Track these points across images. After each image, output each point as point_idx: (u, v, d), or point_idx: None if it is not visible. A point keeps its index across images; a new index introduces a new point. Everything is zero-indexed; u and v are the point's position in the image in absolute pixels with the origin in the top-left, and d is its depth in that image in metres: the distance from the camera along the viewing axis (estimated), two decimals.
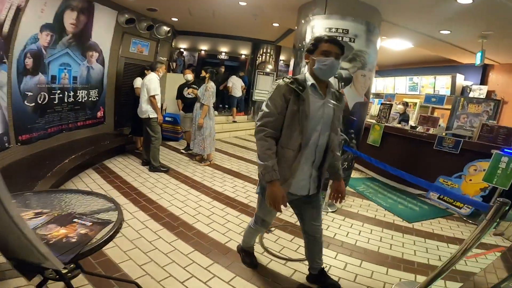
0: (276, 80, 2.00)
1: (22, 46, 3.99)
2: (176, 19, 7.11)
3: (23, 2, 3.69)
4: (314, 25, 4.34)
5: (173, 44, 8.17)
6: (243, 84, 10.04)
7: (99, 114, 6.08)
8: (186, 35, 9.70)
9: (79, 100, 5.51)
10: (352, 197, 4.92)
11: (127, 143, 6.30)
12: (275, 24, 7.12)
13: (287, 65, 13.17)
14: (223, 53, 13.18)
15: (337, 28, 4.18)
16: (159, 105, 5.09)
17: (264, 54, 10.60)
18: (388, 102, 6.77)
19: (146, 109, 5.04)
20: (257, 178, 4.40)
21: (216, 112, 9.10)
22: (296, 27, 5.00)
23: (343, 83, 4.11)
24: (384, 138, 5.67)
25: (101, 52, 5.83)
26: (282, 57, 11.84)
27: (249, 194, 4.55)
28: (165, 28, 6.97)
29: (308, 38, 4.32)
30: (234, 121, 9.84)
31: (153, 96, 4.91)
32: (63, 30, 4.78)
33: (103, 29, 5.77)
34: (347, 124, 4.27)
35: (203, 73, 5.48)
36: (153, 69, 5.08)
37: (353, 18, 4.20)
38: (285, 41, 8.83)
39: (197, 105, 5.60)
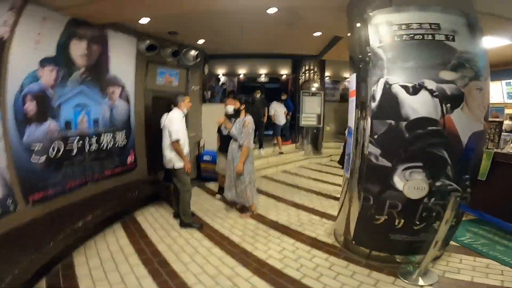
0: None
1: (18, 87, 3.32)
2: (202, 41, 6.33)
3: (7, 33, 2.97)
4: (378, 23, 3.07)
5: (205, 70, 7.36)
6: (285, 109, 8.92)
7: (130, 159, 5.33)
8: (219, 58, 8.96)
9: (104, 147, 4.82)
10: (457, 255, 3.39)
11: (161, 190, 5.48)
12: (317, 34, 5.97)
13: (335, 82, 11.82)
14: (263, 75, 12.29)
15: (421, 24, 2.87)
16: (185, 150, 4.17)
17: (307, 71, 9.39)
18: (496, 119, 5.06)
19: (170, 158, 4.14)
20: (313, 232, 4.17)
21: (261, 151, 8.06)
22: (348, 33, 3.77)
23: (448, 105, 2.74)
24: (493, 169, 4.03)
25: (124, 86, 5.13)
26: (327, 73, 10.62)
27: (301, 263, 3.28)
28: (193, 53, 6.19)
29: (374, 42, 3.05)
30: (281, 153, 8.66)
31: (176, 141, 3.99)
32: (71, 63, 4.14)
33: (122, 59, 5.10)
34: (458, 167, 2.87)
35: (237, 105, 4.54)
36: (175, 104, 4.20)
37: (441, 7, 2.89)
38: (331, 53, 7.61)
39: (233, 145, 4.57)
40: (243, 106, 4.43)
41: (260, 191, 5.87)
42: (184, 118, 4.23)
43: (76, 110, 4.29)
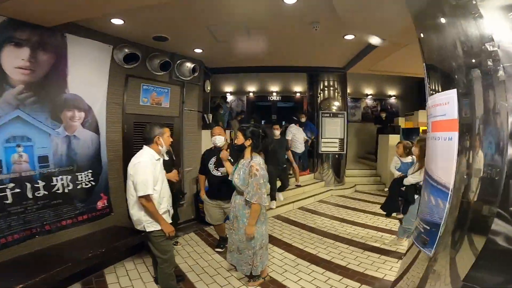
0: None
1: None
2: (200, 51, 4.92)
3: None
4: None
5: (207, 87, 5.94)
6: (304, 135, 7.31)
7: (101, 204, 3.85)
8: (222, 73, 7.52)
9: (59, 191, 3.39)
10: None
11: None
12: (349, 37, 4.51)
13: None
14: (274, 93, 10.88)
15: None
16: (162, 207, 2.68)
17: (326, 88, 7.87)
18: None
19: (138, 218, 2.63)
20: None
21: (277, 200, 5.99)
22: (421, 34, 2.24)
23: None
24: None
25: (90, 109, 3.70)
26: (367, 89, 9.21)
27: None
28: (189, 65, 4.79)
29: (503, 36, 1.54)
30: (298, 186, 7.06)
31: (145, 197, 2.49)
32: (2, 79, 2.73)
33: (89, 73, 3.71)
34: None
35: (239, 138, 2.85)
36: (147, 140, 2.68)
37: None
38: (361, 65, 6.06)
39: (236, 199, 2.94)
40: (249, 141, 2.78)
41: (272, 239, 4.31)
42: (161, 160, 2.75)
43: (8, 145, 2.90)
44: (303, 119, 7.50)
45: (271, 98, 10.93)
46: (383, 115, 8.77)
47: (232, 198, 2.96)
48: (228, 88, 10.79)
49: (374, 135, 9.55)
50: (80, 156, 3.57)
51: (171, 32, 4.05)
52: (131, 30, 3.89)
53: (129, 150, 3.92)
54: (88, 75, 3.69)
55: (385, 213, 4.18)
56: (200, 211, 5.15)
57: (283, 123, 9.59)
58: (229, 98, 10.67)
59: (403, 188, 3.80)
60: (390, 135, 7.82)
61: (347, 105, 8.09)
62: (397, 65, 5.81)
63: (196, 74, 4.97)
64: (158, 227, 2.61)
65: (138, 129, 4.15)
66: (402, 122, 8.31)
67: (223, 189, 3.44)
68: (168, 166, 3.58)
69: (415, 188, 3.63)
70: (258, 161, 2.72)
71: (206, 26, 3.90)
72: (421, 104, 9.49)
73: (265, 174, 2.71)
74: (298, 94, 10.73)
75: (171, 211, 2.86)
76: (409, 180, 3.69)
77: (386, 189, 4.32)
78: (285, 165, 5.85)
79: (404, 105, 10.35)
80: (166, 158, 3.62)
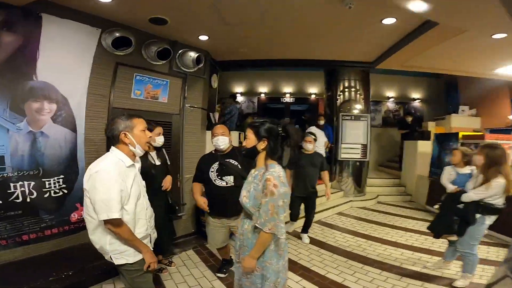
0: None
1: None
2: (206, 38, 4.08)
3: None
4: None
5: (213, 82, 5.13)
6: (326, 139, 6.42)
7: (74, 216, 3.04)
8: (231, 70, 6.67)
9: (17, 200, 2.64)
10: None
11: None
12: (388, 21, 3.55)
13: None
14: (287, 95, 10.00)
15: None
16: (139, 231, 1.86)
17: (347, 89, 6.96)
18: None
19: (101, 246, 1.79)
20: None
21: (305, 239, 4.46)
22: None
23: None
24: None
25: (65, 101, 2.92)
26: (389, 91, 8.37)
27: None
28: (192, 55, 3.99)
29: None
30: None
31: (110, 223, 1.66)
32: None
33: (68, 59, 2.95)
34: None
35: (250, 138, 1.86)
36: (114, 139, 1.81)
37: None
38: (393, 60, 5.04)
39: (245, 222, 1.92)
40: (263, 144, 1.83)
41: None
42: (136, 166, 1.91)
43: None
44: (322, 122, 6.60)
45: (284, 100, 10.05)
46: (409, 119, 7.80)
47: (241, 222, 2.07)
48: (238, 88, 9.96)
49: (396, 141, 8.70)
50: (49, 158, 2.79)
51: (170, 12, 3.26)
52: (123, 11, 3.16)
53: None
54: (65, 61, 2.95)
55: (433, 233, 3.33)
56: (201, 224, 4.31)
57: (296, 127, 8.68)
58: (239, 99, 9.84)
59: (461, 206, 2.97)
60: (419, 141, 6.94)
61: (369, 107, 7.15)
62: (439, 60, 4.84)
63: (201, 66, 4.16)
64: (131, 259, 1.78)
65: None
66: (431, 127, 7.36)
67: (229, 203, 2.59)
68: (160, 173, 2.79)
69: (478, 206, 2.82)
70: (277, 172, 1.74)
71: (213, 4, 3.09)
72: (449, 107, 8.68)
73: (286, 192, 1.74)
74: (313, 96, 9.83)
75: (154, 235, 2.02)
76: (471, 196, 2.85)
77: (436, 207, 3.43)
78: (314, 190, 4.28)
79: (430, 109, 9.37)
80: (157, 162, 2.81)
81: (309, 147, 4.12)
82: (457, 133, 5.68)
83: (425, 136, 7.12)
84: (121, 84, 3.45)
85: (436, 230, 3.28)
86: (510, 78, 5.58)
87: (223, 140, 2.69)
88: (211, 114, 4.98)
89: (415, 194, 6.88)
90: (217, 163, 2.68)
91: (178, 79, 4.08)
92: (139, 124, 1.82)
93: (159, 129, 2.85)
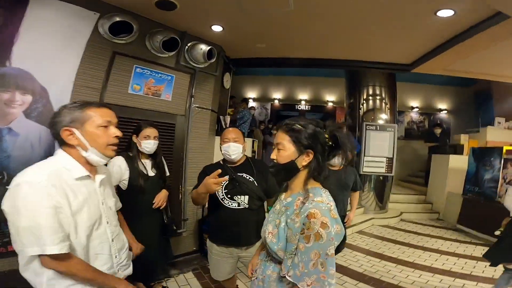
0: None
1: None
2: (220, 28, 3.48)
3: None
4: None
5: (226, 82, 4.50)
6: None
7: None
8: (247, 74, 6.04)
9: None
10: None
11: None
12: (444, 13, 2.84)
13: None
14: (303, 102, 9.35)
15: None
16: (100, 263, 1.19)
17: (371, 96, 6.26)
18: None
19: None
20: None
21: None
22: None
23: None
24: None
25: (44, 93, 2.35)
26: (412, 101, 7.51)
27: None
28: (203, 48, 3.40)
29: None
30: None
31: (46, 260, 1.01)
32: None
33: (54, 45, 2.46)
34: None
35: (286, 147, 1.18)
36: (57, 138, 1.14)
37: None
38: (436, 62, 4.20)
39: (268, 266, 1.26)
40: (307, 158, 1.16)
41: None
42: (97, 179, 1.24)
43: None
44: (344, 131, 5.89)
45: (299, 107, 9.42)
46: (438, 131, 7.07)
47: (259, 263, 1.38)
48: (251, 93, 9.38)
49: (420, 154, 8.09)
50: (16, 161, 2.19)
51: None
52: None
53: None
54: (49, 47, 2.44)
55: (489, 261, 2.77)
56: (204, 242, 3.64)
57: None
58: (252, 104, 9.24)
59: None
60: (451, 156, 6.23)
61: (396, 117, 6.45)
62: (489, 63, 4.08)
63: (212, 61, 3.56)
64: None
65: (121, 127, 2.72)
66: (464, 141, 6.59)
67: (242, 230, 1.91)
68: (154, 186, 2.15)
69: None
70: (325, 203, 1.08)
71: None
72: (478, 119, 7.85)
73: (338, 233, 1.06)
74: (330, 104, 9.17)
75: (126, 272, 1.34)
76: None
77: (498, 233, 2.92)
78: (344, 216, 3.25)
79: (458, 121, 8.58)
80: (151, 173, 2.18)
81: (336, 161, 3.09)
82: (500, 148, 4.94)
83: (458, 150, 6.42)
84: (117, 77, 2.87)
85: (497, 259, 2.73)
86: None
87: (236, 148, 1.97)
88: (221, 117, 4.35)
89: (444, 212, 6.20)
90: (226, 177, 1.98)
91: (186, 75, 3.47)
92: (97, 117, 1.17)
93: (150, 131, 2.15)
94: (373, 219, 5.91)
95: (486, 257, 2.79)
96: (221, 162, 2.08)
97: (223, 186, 1.93)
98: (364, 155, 5.97)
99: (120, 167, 2.04)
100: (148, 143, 2.13)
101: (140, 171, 2.09)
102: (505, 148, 4.85)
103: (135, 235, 1.73)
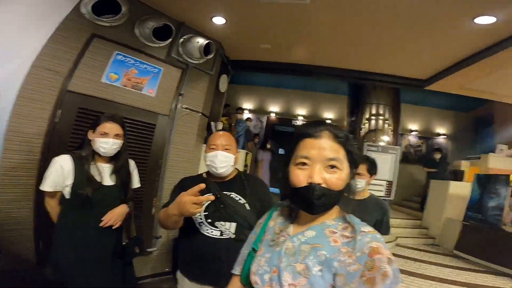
0: None
1: None
2: (223, 21, 2.99)
3: None
4: None
5: (222, 84, 3.98)
6: None
7: None
8: (244, 83, 5.57)
9: None
10: None
11: None
12: (484, 20, 2.38)
13: (424, 139, 8.36)
14: (300, 117, 8.91)
15: None
16: None
17: (374, 116, 5.87)
18: None
19: None
20: None
21: None
22: None
23: None
24: None
25: None
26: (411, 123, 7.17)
27: None
28: (200, 42, 2.92)
29: None
30: None
31: None
32: None
33: (17, 20, 2.04)
34: None
35: (344, 168, 0.76)
36: None
37: None
38: (455, 79, 3.69)
39: None
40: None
41: None
42: None
43: None
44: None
45: (296, 122, 8.97)
46: (437, 156, 6.72)
47: None
48: (247, 104, 8.92)
49: (416, 179, 7.79)
50: None
51: None
52: None
53: (57, 152, 1.69)
54: (10, 22, 1.93)
55: None
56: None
57: None
58: (247, 115, 8.76)
59: None
60: (452, 182, 5.91)
61: (398, 139, 6.09)
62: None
63: (209, 57, 3.08)
64: None
65: (84, 120, 2.19)
66: (465, 167, 6.29)
67: (223, 266, 1.30)
68: (112, 196, 1.60)
69: None
70: (378, 233, 0.74)
71: None
72: (477, 146, 7.61)
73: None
74: (329, 122, 8.78)
75: None
76: None
77: None
78: None
79: (457, 146, 8.30)
80: (108, 181, 1.63)
81: (359, 185, 1.98)
82: (507, 175, 4.69)
83: (458, 176, 6.12)
84: (90, 61, 2.34)
85: None
86: None
87: (226, 159, 1.43)
88: (212, 123, 3.80)
89: (441, 238, 5.93)
90: (211, 197, 1.38)
91: (176, 70, 2.96)
92: None
93: (110, 127, 1.60)
94: None
95: None
96: (204, 176, 1.53)
97: (203, 207, 1.37)
98: None
99: (62, 167, 1.50)
100: (104, 143, 1.56)
101: (89, 177, 1.53)
102: None
103: (78, 259, 1.48)
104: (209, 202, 1.36)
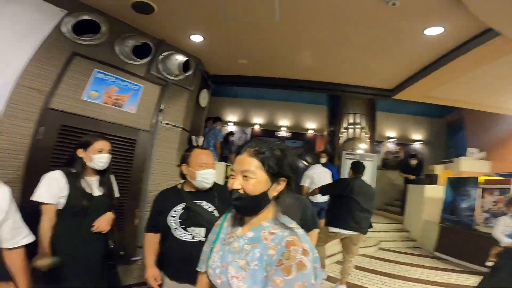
0: None
1: None
2: (200, 39, 3.16)
3: None
4: None
5: (202, 99, 4.09)
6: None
7: None
8: (227, 96, 5.72)
9: None
10: None
11: None
12: (431, 31, 2.63)
13: (402, 145, 8.57)
14: (283, 128, 9.09)
15: None
16: None
17: (352, 125, 6.09)
18: None
19: None
20: None
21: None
22: None
23: None
24: None
25: None
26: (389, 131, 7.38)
27: None
28: (180, 59, 3.04)
29: None
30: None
31: None
32: None
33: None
34: None
35: (257, 175, 0.93)
36: None
37: None
38: (419, 87, 3.95)
39: None
40: (279, 187, 0.98)
41: None
42: None
43: None
44: (324, 160, 5.49)
45: (279, 134, 9.13)
46: (414, 162, 6.94)
47: None
48: (231, 116, 9.04)
49: (396, 184, 7.94)
50: None
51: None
52: None
53: (40, 168, 1.91)
54: None
55: None
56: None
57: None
58: (231, 128, 8.86)
59: None
60: (427, 186, 6.14)
61: (375, 146, 6.29)
62: (469, 90, 3.92)
63: (189, 73, 3.20)
64: None
65: (66, 137, 2.27)
66: (439, 171, 6.52)
67: (194, 263, 1.45)
68: (101, 205, 1.78)
69: None
70: (301, 230, 0.92)
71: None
72: (451, 150, 7.93)
73: (317, 259, 0.88)
74: (310, 132, 8.95)
75: None
76: None
77: (490, 263, 2.94)
78: None
79: (432, 151, 8.60)
80: (97, 192, 1.76)
81: None
82: (475, 178, 4.90)
83: (433, 180, 6.32)
84: (71, 80, 2.42)
85: None
86: None
87: (213, 176, 1.68)
88: (193, 138, 3.88)
89: (421, 240, 6.09)
90: (182, 205, 1.61)
91: (156, 86, 3.07)
92: None
93: (104, 144, 1.81)
94: None
95: None
96: (179, 187, 1.72)
97: (177, 215, 1.61)
98: None
99: (57, 180, 1.66)
100: (102, 158, 1.78)
101: (82, 190, 1.70)
102: (481, 177, 4.80)
103: (74, 262, 1.65)
104: (183, 210, 1.61)
